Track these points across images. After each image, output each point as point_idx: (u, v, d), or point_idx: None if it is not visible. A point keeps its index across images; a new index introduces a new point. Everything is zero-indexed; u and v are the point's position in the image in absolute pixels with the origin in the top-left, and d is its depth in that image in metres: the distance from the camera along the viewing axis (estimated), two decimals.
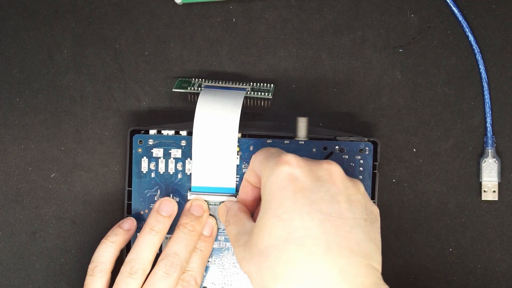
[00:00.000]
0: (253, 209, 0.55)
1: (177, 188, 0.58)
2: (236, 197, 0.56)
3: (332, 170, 0.48)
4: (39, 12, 0.62)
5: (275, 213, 0.46)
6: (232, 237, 0.51)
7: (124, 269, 0.53)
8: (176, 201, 0.58)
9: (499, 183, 0.61)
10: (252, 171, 0.53)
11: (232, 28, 0.62)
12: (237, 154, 0.57)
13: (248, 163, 0.57)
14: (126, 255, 0.55)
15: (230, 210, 0.54)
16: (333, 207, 0.46)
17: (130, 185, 0.58)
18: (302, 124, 0.58)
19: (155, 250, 0.55)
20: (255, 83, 0.61)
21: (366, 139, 0.58)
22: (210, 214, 0.57)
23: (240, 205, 0.54)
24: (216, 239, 0.58)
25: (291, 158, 0.48)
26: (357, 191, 0.49)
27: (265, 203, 0.48)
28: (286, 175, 0.47)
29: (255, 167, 0.52)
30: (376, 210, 0.49)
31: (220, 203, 0.57)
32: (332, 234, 0.45)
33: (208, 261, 0.58)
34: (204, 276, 0.58)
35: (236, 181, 0.57)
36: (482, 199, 0.61)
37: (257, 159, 0.51)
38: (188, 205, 0.57)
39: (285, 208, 0.46)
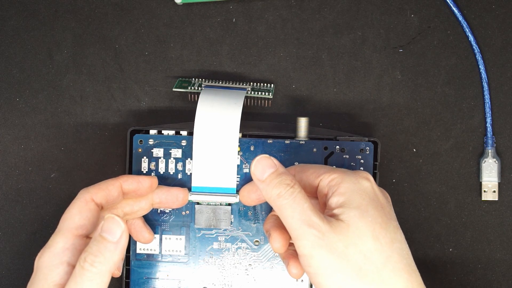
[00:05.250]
0: None
1: None
2: (236, 197, 0.56)
3: (388, 195, 0.51)
4: (39, 12, 0.62)
5: (375, 220, 0.47)
6: (303, 212, 0.46)
7: None
8: None
9: (499, 183, 0.61)
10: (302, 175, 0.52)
11: (232, 28, 0.62)
12: (238, 154, 0.57)
13: (249, 163, 0.57)
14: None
15: (287, 174, 0.48)
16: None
17: None
18: (302, 124, 0.58)
19: None
20: (255, 83, 0.61)
21: (366, 139, 0.58)
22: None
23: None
24: (215, 239, 0.58)
25: (369, 175, 0.50)
26: None
27: (359, 206, 0.47)
28: (370, 189, 0.49)
29: (305, 178, 0.51)
30: None
31: (220, 204, 0.57)
32: (410, 252, 0.48)
33: (208, 261, 0.58)
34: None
35: (237, 181, 0.57)
36: (482, 199, 0.61)
37: (311, 171, 0.51)
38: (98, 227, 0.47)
39: (382, 218, 0.47)
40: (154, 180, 0.55)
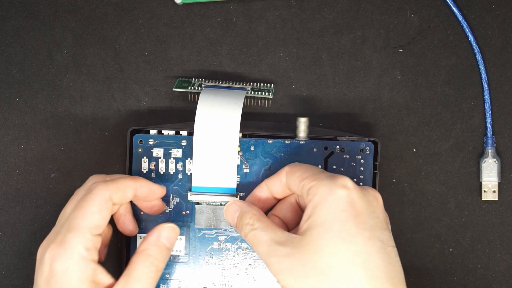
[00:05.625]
0: None
1: (177, 188, 0.58)
2: (236, 197, 0.56)
3: (378, 196, 0.50)
4: (39, 12, 0.62)
5: (338, 234, 0.46)
6: (264, 244, 0.49)
7: None
8: (176, 201, 0.58)
9: (499, 183, 0.61)
10: (280, 182, 0.53)
11: (232, 28, 0.62)
12: (238, 154, 0.57)
13: (249, 163, 0.57)
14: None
15: (248, 212, 0.51)
16: (384, 234, 0.48)
17: None
18: (302, 124, 0.58)
19: None
20: (255, 83, 0.61)
21: (366, 139, 0.58)
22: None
23: (259, 209, 0.53)
24: (215, 239, 0.58)
25: (348, 182, 0.49)
26: (388, 220, 0.50)
27: (324, 222, 0.47)
28: (345, 198, 0.48)
29: (292, 182, 0.51)
30: None
31: (220, 204, 0.57)
32: (387, 262, 0.47)
33: (209, 261, 0.58)
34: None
35: (237, 181, 0.57)
36: (482, 199, 0.61)
37: (297, 174, 0.51)
38: (156, 233, 0.52)
39: (348, 231, 0.47)
40: (164, 190, 0.55)
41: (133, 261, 0.50)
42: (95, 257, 0.49)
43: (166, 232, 0.52)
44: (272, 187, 0.53)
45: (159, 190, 0.54)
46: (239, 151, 0.57)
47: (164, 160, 0.58)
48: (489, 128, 0.61)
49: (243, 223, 0.51)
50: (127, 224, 0.56)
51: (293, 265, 0.47)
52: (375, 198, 0.50)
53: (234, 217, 0.52)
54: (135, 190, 0.53)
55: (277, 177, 0.53)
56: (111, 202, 0.51)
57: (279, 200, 0.54)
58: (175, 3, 0.61)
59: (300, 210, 0.53)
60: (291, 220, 0.53)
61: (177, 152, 0.58)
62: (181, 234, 0.58)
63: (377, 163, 0.57)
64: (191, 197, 0.56)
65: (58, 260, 0.48)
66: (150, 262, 0.50)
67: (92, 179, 0.53)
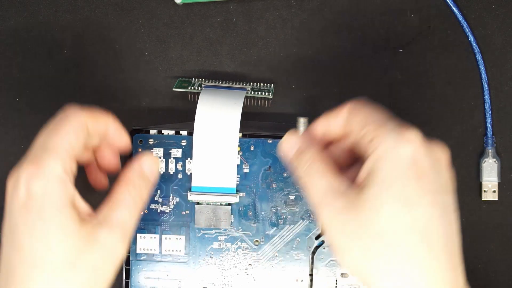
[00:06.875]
0: None
1: (177, 188, 0.58)
2: (236, 197, 0.56)
3: (446, 154, 0.46)
4: (39, 12, 0.62)
5: (398, 197, 0.42)
6: (319, 191, 0.45)
7: None
8: (176, 201, 0.58)
9: (499, 183, 0.61)
10: (338, 121, 0.48)
11: (232, 28, 0.62)
12: (238, 154, 0.57)
13: (249, 163, 0.57)
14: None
15: (309, 149, 0.47)
16: (447, 198, 0.44)
17: None
18: (302, 124, 0.58)
19: None
20: (255, 83, 0.61)
21: None
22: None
23: (321, 148, 0.48)
24: (215, 239, 0.58)
25: (416, 137, 0.44)
26: (453, 180, 0.46)
27: (383, 181, 0.43)
28: (410, 156, 0.43)
29: (353, 126, 0.47)
30: None
31: (220, 204, 0.57)
32: (447, 230, 0.43)
33: (208, 261, 0.58)
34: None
35: (237, 181, 0.57)
36: (482, 199, 0.61)
37: (360, 117, 0.46)
38: (139, 164, 0.49)
39: (409, 193, 0.43)
40: (128, 145, 0.52)
41: (117, 190, 0.47)
42: (72, 181, 0.46)
43: (148, 164, 0.49)
44: (329, 125, 0.49)
45: (125, 138, 0.51)
46: (239, 151, 0.57)
47: (164, 160, 0.58)
48: (489, 128, 0.61)
49: (302, 160, 0.47)
50: (98, 176, 0.53)
51: (346, 221, 0.43)
52: (443, 155, 0.46)
53: (291, 151, 0.48)
54: (107, 124, 0.49)
55: (337, 114, 0.48)
56: (86, 128, 0.47)
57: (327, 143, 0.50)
58: (175, 3, 0.62)
59: (354, 156, 0.48)
60: (343, 165, 0.49)
61: (177, 152, 0.58)
62: (180, 234, 0.58)
63: None
64: (191, 197, 0.56)
65: (35, 180, 0.44)
66: (136, 191, 0.48)
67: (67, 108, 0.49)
